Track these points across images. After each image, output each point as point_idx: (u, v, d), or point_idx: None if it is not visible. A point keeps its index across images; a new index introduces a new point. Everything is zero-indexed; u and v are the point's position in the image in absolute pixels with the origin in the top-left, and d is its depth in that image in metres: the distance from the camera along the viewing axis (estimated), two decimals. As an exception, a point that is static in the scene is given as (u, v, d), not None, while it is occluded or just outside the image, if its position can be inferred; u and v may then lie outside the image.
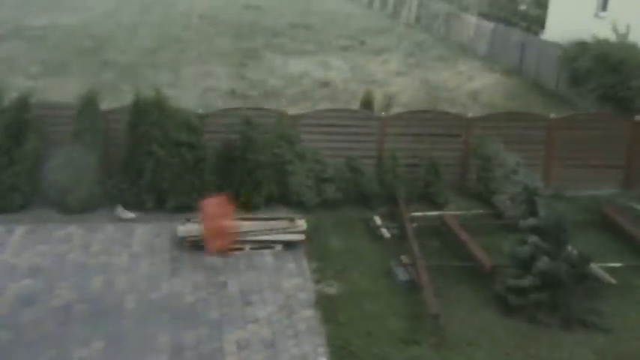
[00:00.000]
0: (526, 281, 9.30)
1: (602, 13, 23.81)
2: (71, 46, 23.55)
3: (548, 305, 9.28)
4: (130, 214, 11.64)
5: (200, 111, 12.58)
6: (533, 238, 9.48)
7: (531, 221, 9.66)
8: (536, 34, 26.51)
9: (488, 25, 27.94)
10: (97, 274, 9.85)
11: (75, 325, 8.69)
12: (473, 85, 21.43)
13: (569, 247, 9.68)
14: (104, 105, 12.08)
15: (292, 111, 13.38)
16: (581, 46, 18.75)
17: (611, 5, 23.45)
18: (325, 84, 20.50)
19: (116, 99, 12.95)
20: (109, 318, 8.86)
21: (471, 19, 30.00)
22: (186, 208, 11.66)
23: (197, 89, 18.91)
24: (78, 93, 12.20)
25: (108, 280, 9.73)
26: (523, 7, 31.10)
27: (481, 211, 12.57)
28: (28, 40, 24.47)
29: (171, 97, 12.45)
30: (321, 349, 8.53)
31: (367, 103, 14.09)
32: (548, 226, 9.49)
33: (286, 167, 12.19)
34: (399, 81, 21.44)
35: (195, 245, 10.68)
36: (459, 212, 12.35)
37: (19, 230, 10.93)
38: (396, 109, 15.38)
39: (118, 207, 11.67)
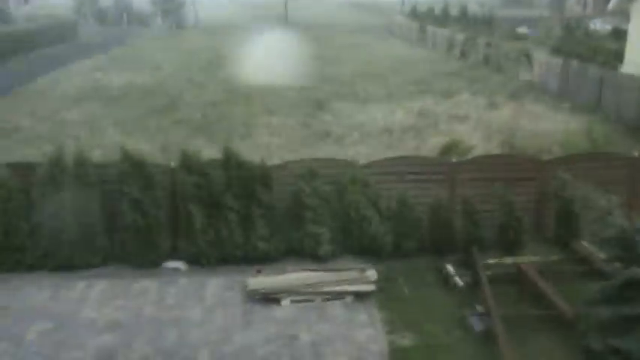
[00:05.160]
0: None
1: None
2: (145, 106, 24.62)
3: None
4: (180, 265, 11.86)
5: (268, 163, 12.76)
6: None
7: (636, 271, 8.63)
8: (615, 68, 25.73)
9: (560, 62, 27.37)
10: (171, 328, 10.02)
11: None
12: (545, 125, 20.86)
13: None
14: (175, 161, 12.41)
15: (357, 158, 13.35)
16: None
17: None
18: (390, 130, 20.45)
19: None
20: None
21: (543, 57, 29.47)
22: (255, 261, 11.82)
23: (264, 140, 19.28)
24: (150, 151, 12.52)
25: (182, 334, 9.87)
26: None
27: (561, 256, 12.04)
28: (106, 100, 25.80)
29: (242, 150, 12.71)
30: (395, 405, 8.28)
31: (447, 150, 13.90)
32: None
33: (361, 216, 12.12)
34: (467, 125, 21.15)
35: (266, 298, 10.71)
36: (536, 258, 11.86)
37: (98, 286, 11.31)
38: (466, 154, 15.12)
39: (169, 261, 11.93)
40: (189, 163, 12.01)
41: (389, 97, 26.31)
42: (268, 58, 35.22)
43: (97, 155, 13.14)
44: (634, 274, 8.74)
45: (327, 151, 17.56)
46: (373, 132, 20.44)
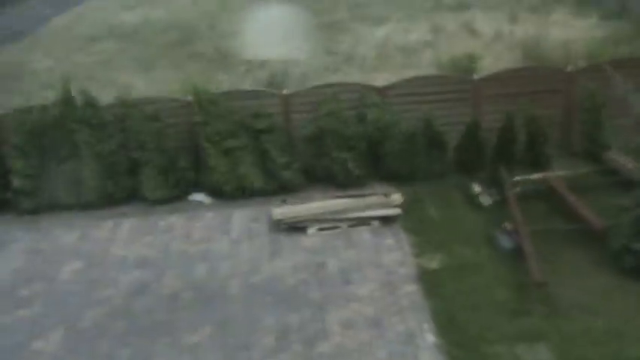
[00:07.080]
0: None
1: None
2: (160, 41, 24.10)
3: None
4: (205, 198, 11.89)
5: (285, 91, 12.51)
6: None
7: None
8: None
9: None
10: (200, 262, 10.11)
11: (184, 312, 8.97)
12: (568, 33, 20.02)
13: None
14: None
15: (378, 79, 12.99)
16: None
17: None
18: (407, 49, 19.79)
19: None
20: (214, 303, 9.08)
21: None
22: (278, 191, 11.83)
23: (284, 67, 18.81)
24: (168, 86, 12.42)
25: (211, 267, 9.96)
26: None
27: (590, 169, 11.75)
28: (120, 38, 25.32)
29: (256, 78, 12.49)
30: (427, 325, 8.34)
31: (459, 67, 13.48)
32: None
33: (383, 138, 11.91)
34: (485, 39, 20.37)
35: (292, 227, 10.70)
36: (565, 173, 11.60)
37: (126, 224, 11.39)
38: (488, 70, 14.63)
39: (193, 193, 12.01)
40: (199, 100, 11.85)
41: (407, 15, 25.35)
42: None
43: (110, 94, 13.00)
44: None
45: (349, 74, 16.99)
46: (390, 52, 19.77)
